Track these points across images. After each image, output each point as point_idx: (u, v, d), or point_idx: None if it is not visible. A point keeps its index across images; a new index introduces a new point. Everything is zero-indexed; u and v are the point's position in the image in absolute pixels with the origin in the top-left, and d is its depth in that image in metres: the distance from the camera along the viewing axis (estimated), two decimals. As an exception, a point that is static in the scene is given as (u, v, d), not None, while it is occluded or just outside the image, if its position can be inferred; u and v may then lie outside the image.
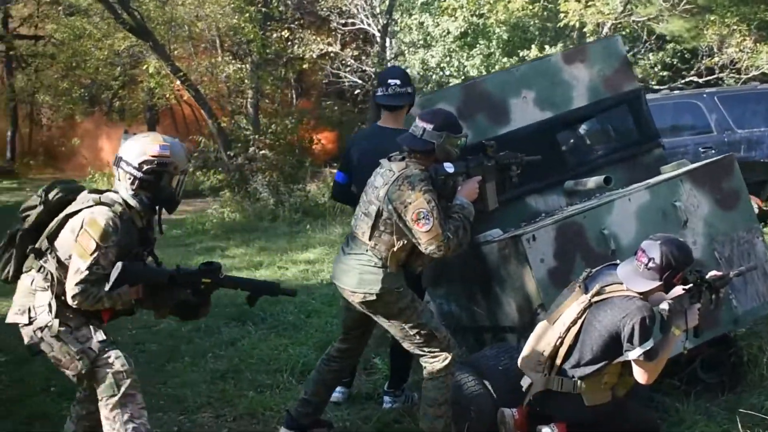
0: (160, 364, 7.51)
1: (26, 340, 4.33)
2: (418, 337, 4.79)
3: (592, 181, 5.73)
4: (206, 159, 18.47)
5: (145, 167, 4.25)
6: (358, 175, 5.45)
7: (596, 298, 4.59)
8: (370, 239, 4.70)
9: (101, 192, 4.36)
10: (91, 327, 4.30)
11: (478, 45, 16.37)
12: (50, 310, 4.23)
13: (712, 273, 4.85)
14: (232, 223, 16.37)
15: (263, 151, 16.97)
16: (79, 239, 4.15)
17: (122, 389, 4.26)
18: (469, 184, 4.80)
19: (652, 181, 5.74)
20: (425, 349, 4.82)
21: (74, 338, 4.26)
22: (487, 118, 5.87)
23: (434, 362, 4.81)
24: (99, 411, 4.36)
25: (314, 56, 20.18)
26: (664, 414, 5.21)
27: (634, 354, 4.41)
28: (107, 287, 4.14)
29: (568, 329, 4.60)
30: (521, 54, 15.98)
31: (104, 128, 30.98)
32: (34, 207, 4.35)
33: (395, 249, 4.66)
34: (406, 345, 4.89)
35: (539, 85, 5.99)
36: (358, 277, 4.73)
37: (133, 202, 4.29)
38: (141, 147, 4.29)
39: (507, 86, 5.95)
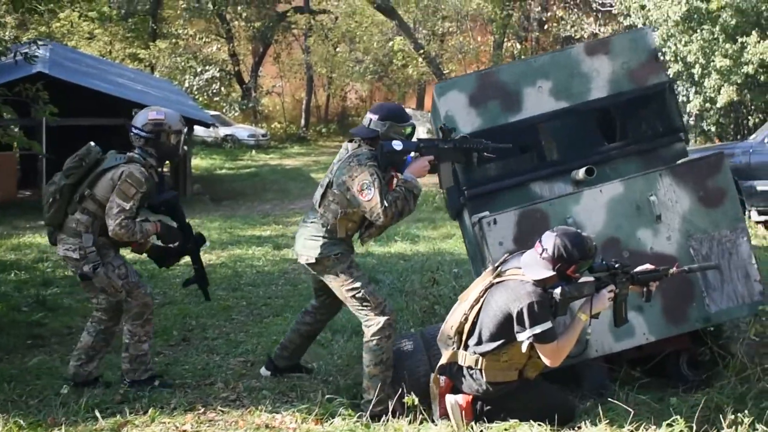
0: (268, 315, 8.52)
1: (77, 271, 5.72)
2: (353, 300, 5.42)
3: (581, 172, 5.88)
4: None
5: (147, 128, 5.75)
6: None
7: (496, 280, 4.92)
8: (320, 206, 5.46)
9: (123, 152, 5.79)
10: (127, 266, 5.80)
11: (700, 30, 15.77)
12: (96, 251, 5.63)
13: (642, 267, 4.99)
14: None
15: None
16: (121, 187, 5.53)
17: (144, 316, 5.83)
18: (418, 162, 5.45)
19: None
20: (361, 312, 5.43)
21: (117, 274, 5.69)
22: (500, 106, 6.14)
23: (370, 325, 5.39)
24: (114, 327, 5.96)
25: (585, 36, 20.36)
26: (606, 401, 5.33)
27: (523, 336, 4.73)
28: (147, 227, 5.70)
29: (472, 307, 4.98)
30: (740, 40, 15.21)
31: (386, 100, 32.86)
32: (77, 167, 5.69)
33: (339, 217, 5.37)
34: (348, 306, 5.51)
35: (557, 76, 6.14)
36: (303, 242, 5.51)
37: (147, 158, 5.74)
38: (144, 116, 5.82)
39: (523, 76, 6.16)
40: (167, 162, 5.96)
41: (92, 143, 5.83)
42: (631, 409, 4.73)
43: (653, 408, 5.13)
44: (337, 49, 31.77)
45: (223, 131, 34.57)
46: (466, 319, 5.00)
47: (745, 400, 5.14)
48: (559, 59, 6.22)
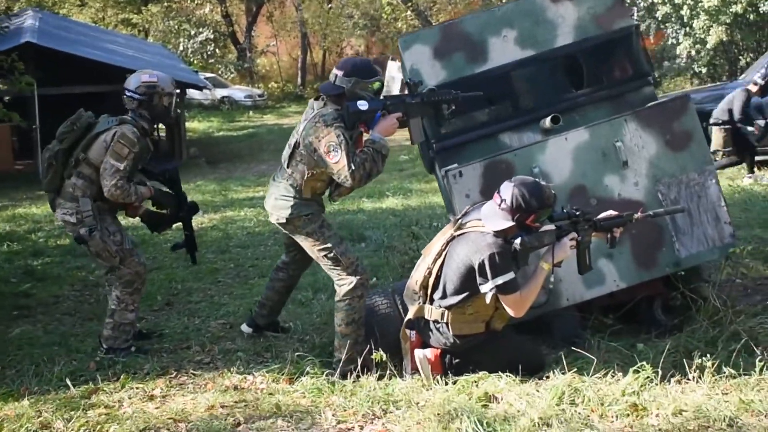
0: (254, 277, 8.53)
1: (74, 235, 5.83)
2: (325, 260, 5.39)
3: (547, 121, 5.84)
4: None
5: (141, 90, 5.81)
6: None
7: (457, 232, 4.91)
8: (288, 167, 5.38)
9: (115, 116, 5.89)
10: (123, 233, 5.90)
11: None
12: (93, 216, 5.70)
13: (605, 213, 4.97)
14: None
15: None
16: (114, 148, 5.63)
17: (134, 285, 5.89)
18: (386, 121, 5.29)
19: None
20: (333, 272, 5.40)
21: (112, 240, 5.77)
22: (464, 57, 6.08)
23: (342, 285, 5.36)
24: None
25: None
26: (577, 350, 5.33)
27: (486, 287, 4.72)
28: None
29: (435, 260, 4.97)
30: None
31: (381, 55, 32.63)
32: (69, 132, 5.78)
33: (306, 178, 5.30)
34: (321, 265, 5.48)
35: (521, 24, 6.07)
36: (274, 202, 5.46)
37: (139, 120, 5.83)
38: (137, 78, 5.90)
39: (487, 26, 6.09)
40: (161, 126, 5.98)
41: (82, 109, 5.92)
42: (594, 357, 4.72)
43: (624, 355, 5.13)
44: (330, 5, 31.50)
45: (219, 93, 34.46)
46: (430, 273, 4.99)
47: (716, 343, 5.14)
48: (524, 7, 6.14)
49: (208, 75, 35.05)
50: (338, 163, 5.06)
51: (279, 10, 38.06)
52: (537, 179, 4.87)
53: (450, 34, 6.10)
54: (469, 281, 4.79)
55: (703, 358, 4.64)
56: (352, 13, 29.00)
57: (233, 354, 5.77)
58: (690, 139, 5.54)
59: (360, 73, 5.27)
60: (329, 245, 5.35)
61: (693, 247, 5.53)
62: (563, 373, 4.77)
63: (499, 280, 4.68)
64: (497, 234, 4.74)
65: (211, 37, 36.60)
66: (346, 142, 5.08)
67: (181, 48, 35.98)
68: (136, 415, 4.50)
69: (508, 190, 4.73)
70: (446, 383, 4.83)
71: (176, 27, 36.04)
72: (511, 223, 4.71)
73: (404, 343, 5.18)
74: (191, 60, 35.66)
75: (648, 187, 5.52)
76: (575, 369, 4.79)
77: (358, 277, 5.33)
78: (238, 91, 35.65)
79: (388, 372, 5.08)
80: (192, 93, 29.74)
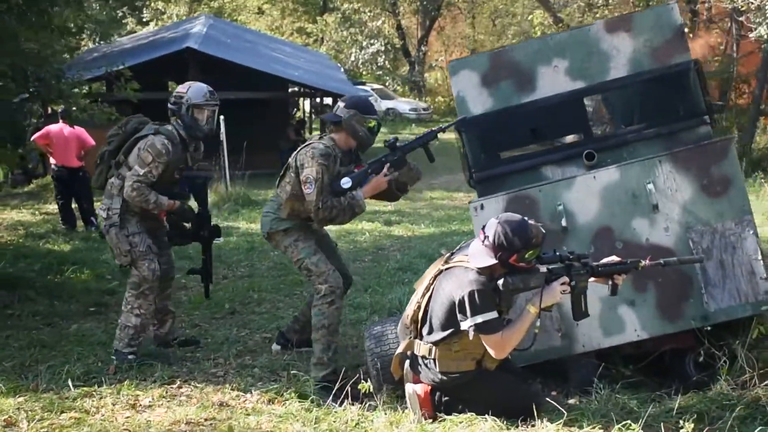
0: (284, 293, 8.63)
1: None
2: (301, 270, 5.81)
3: (584, 156, 5.61)
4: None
5: (171, 100, 6.05)
6: None
7: (445, 267, 4.79)
8: (278, 186, 5.78)
9: (162, 124, 6.10)
10: (143, 236, 6.05)
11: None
12: (119, 214, 5.99)
13: (607, 259, 4.74)
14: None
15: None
16: (140, 155, 5.90)
17: (141, 289, 5.98)
18: (373, 182, 5.68)
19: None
20: (310, 280, 5.78)
21: (128, 240, 5.98)
22: (513, 86, 5.91)
23: (315, 293, 5.68)
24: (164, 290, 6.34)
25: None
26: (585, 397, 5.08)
27: (465, 325, 4.60)
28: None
29: (423, 295, 4.87)
30: None
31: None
32: (117, 135, 6.09)
33: (287, 198, 5.64)
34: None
35: (574, 55, 5.85)
36: (262, 219, 5.92)
37: (179, 130, 6.05)
38: (175, 90, 6.10)
39: (538, 55, 5.90)
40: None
41: (137, 115, 6.29)
42: (564, 411, 4.48)
43: (628, 408, 4.83)
44: (495, 23, 31.34)
45: (384, 105, 34.95)
46: (419, 308, 4.89)
47: (731, 406, 4.77)
48: (578, 37, 5.93)
49: (376, 86, 35.59)
50: (309, 195, 5.45)
51: (451, 25, 38.20)
52: (525, 218, 4.65)
53: (500, 61, 5.95)
54: (453, 317, 4.65)
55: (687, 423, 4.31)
56: (507, 33, 28.75)
57: (249, 369, 5.82)
58: (729, 186, 5.18)
59: (359, 107, 5.65)
60: (301, 256, 5.71)
61: (723, 301, 5.16)
62: (551, 422, 4.55)
63: (479, 319, 4.52)
64: (480, 271, 4.58)
65: (382, 49, 37.12)
66: (322, 180, 5.43)
67: (352, 59, 36.69)
68: (100, 423, 4.61)
69: (492, 227, 4.57)
70: (419, 422, 4.70)
71: (349, 38, 36.77)
72: (493, 261, 4.53)
73: (404, 375, 5.08)
74: (361, 71, 36.29)
75: (679, 233, 5.20)
76: (567, 418, 4.55)
77: (328, 285, 5.62)
78: (404, 104, 36.05)
79: (373, 403, 5.01)
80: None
